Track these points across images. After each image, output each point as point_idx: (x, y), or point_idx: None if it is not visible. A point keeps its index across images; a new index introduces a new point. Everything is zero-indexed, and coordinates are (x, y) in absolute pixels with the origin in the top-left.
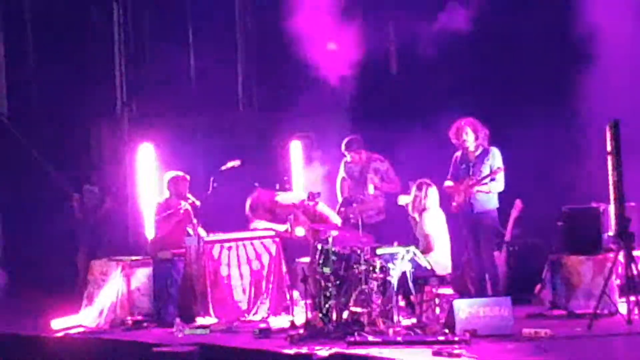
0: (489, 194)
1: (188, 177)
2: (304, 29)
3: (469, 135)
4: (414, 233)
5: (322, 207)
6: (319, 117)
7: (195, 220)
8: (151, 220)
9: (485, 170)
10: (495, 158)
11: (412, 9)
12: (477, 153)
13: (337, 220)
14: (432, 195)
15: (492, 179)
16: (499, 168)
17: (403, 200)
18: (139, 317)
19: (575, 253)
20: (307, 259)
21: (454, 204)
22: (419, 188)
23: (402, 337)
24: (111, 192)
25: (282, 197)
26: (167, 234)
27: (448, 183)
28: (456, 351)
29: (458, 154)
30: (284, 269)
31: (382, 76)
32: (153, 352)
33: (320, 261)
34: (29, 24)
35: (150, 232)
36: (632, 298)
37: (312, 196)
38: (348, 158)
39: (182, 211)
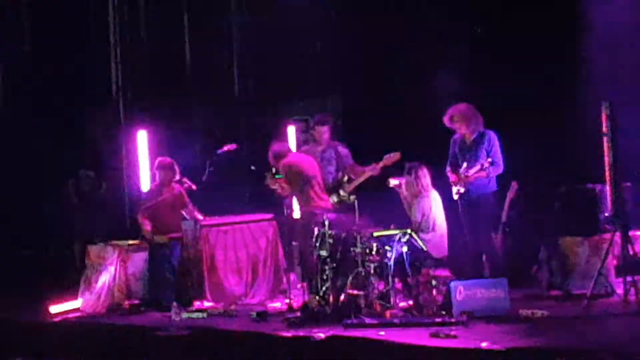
0: (488, 177)
1: (169, 162)
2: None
3: (462, 123)
4: (407, 215)
5: None
6: (315, 102)
7: (191, 205)
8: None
9: (482, 155)
10: (492, 142)
11: None
12: (474, 138)
13: None
14: (424, 177)
15: (487, 167)
16: (489, 162)
17: (393, 182)
18: (136, 302)
19: (571, 234)
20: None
21: (455, 195)
22: (409, 172)
23: (399, 319)
24: (107, 177)
25: None
26: (160, 218)
27: (449, 175)
28: (453, 333)
29: (456, 135)
30: (281, 252)
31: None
32: (150, 336)
33: (317, 244)
34: (24, 9)
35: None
36: (628, 278)
37: None
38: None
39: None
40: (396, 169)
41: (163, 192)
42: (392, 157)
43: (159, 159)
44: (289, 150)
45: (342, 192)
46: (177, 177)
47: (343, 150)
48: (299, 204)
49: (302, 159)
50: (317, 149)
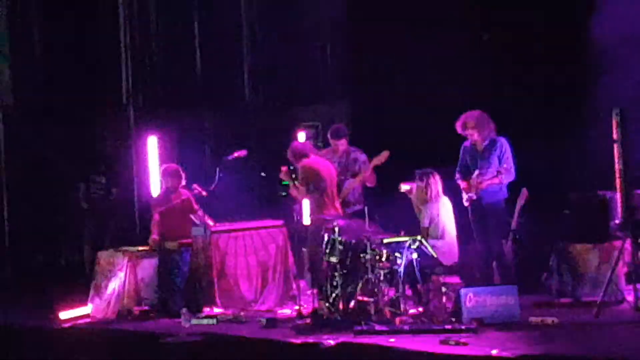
0: (500, 184)
1: (179, 170)
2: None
3: (474, 130)
4: (417, 220)
5: None
6: (324, 107)
7: (201, 211)
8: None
9: (494, 161)
10: (504, 149)
11: None
12: (485, 144)
13: None
14: (435, 184)
15: (498, 173)
16: (504, 168)
17: (404, 187)
18: (146, 308)
19: (581, 241)
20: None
21: (466, 202)
22: (421, 179)
23: (409, 326)
24: (118, 183)
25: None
26: (169, 224)
27: (459, 182)
28: (463, 339)
29: (466, 142)
30: (291, 258)
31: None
32: (160, 342)
33: (327, 250)
34: (36, 15)
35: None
36: (639, 286)
37: None
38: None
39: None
40: (407, 175)
41: (172, 199)
42: (381, 157)
43: (165, 165)
44: (311, 150)
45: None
46: (183, 182)
47: (360, 156)
48: (310, 208)
49: (322, 164)
50: (334, 156)
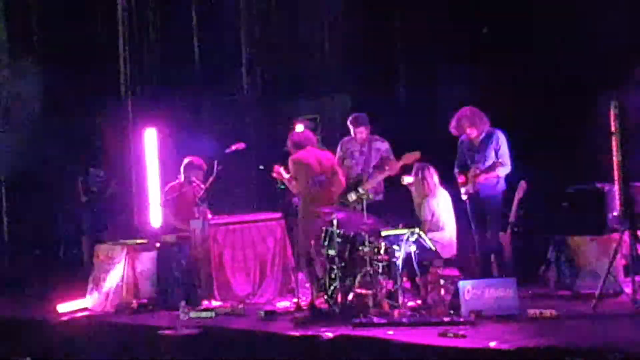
0: (497, 178)
1: (195, 161)
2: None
3: (472, 129)
4: (417, 214)
5: None
6: (323, 100)
7: (200, 204)
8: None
9: (491, 155)
10: (500, 141)
11: None
12: (482, 138)
13: None
14: (431, 177)
15: (495, 166)
16: (499, 162)
17: (407, 180)
18: (145, 301)
19: (579, 234)
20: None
21: (464, 196)
22: (417, 173)
23: (407, 318)
24: (116, 176)
25: None
26: (176, 218)
27: (457, 176)
28: (461, 332)
29: (463, 137)
30: (289, 251)
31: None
32: (158, 336)
33: (325, 243)
34: (33, 9)
35: (157, 213)
36: (637, 278)
37: None
38: (363, 132)
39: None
40: (409, 168)
41: (184, 189)
42: (412, 155)
43: (191, 158)
44: (311, 141)
45: (360, 190)
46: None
47: (377, 145)
48: (302, 202)
49: (314, 156)
50: (355, 145)
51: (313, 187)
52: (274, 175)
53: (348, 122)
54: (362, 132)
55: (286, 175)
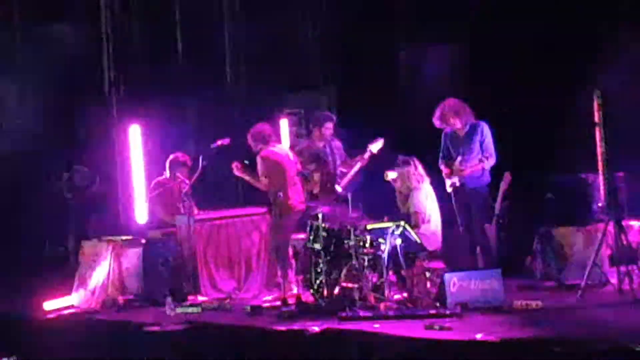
0: (482, 170)
1: (180, 157)
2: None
3: (455, 120)
4: (400, 207)
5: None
6: (307, 95)
7: (185, 199)
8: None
9: (475, 147)
10: (485, 133)
11: None
12: (466, 130)
13: None
14: (416, 169)
15: (481, 160)
16: (485, 156)
17: (391, 175)
18: (131, 297)
19: (565, 224)
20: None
21: (449, 188)
22: (401, 165)
23: (393, 311)
24: (100, 173)
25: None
26: (164, 212)
27: (442, 168)
28: (447, 324)
29: (447, 129)
30: None
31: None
32: (145, 332)
33: (311, 237)
34: (16, 4)
35: (142, 209)
36: (622, 268)
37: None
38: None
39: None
40: (392, 161)
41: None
42: (376, 144)
43: (173, 155)
44: (271, 136)
45: (337, 187)
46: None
47: (336, 144)
48: (273, 200)
49: (282, 153)
50: (319, 145)
51: (297, 180)
52: (236, 173)
53: (313, 121)
54: (328, 129)
55: (247, 175)
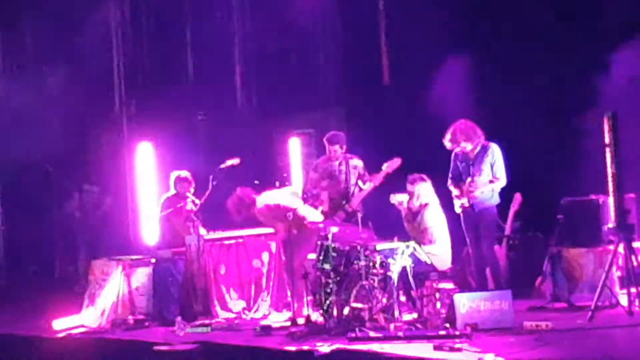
0: (492, 191)
1: (189, 176)
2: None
3: (467, 142)
4: (406, 229)
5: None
6: (317, 114)
7: (195, 219)
8: (156, 216)
9: (486, 168)
10: (495, 154)
11: None
12: (477, 151)
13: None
14: (426, 190)
15: (491, 182)
16: (495, 178)
17: (396, 198)
18: (140, 317)
19: (575, 246)
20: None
21: (458, 209)
22: (412, 184)
23: (403, 332)
24: (110, 192)
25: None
26: (175, 231)
27: (452, 189)
28: (457, 345)
29: (457, 150)
30: (284, 265)
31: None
32: (154, 351)
33: (321, 257)
34: (26, 22)
35: (152, 228)
36: (633, 290)
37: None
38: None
39: (184, 207)
40: (399, 183)
41: (176, 204)
42: (392, 164)
43: (177, 172)
44: (250, 199)
45: (347, 207)
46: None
47: (354, 163)
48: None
49: (269, 195)
50: (332, 163)
51: (308, 201)
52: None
53: (325, 140)
54: (335, 151)
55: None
